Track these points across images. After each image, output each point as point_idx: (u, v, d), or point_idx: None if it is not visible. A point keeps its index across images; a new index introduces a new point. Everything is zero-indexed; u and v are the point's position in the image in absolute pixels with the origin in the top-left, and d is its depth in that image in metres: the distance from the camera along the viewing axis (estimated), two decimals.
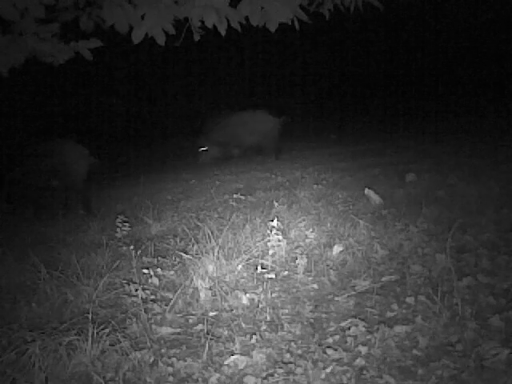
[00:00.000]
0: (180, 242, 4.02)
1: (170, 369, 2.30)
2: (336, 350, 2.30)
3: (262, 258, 3.43)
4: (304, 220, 4.17)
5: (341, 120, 12.18)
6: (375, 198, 4.66)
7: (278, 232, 3.52)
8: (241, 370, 2.25)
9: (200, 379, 2.21)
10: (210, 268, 3.26)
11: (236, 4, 2.50)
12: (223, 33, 2.47)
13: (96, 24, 2.72)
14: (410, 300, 2.68)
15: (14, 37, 2.52)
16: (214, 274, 3.23)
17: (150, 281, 3.24)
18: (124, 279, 3.28)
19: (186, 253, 3.56)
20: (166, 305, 2.91)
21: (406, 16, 13.67)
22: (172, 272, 3.40)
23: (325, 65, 15.34)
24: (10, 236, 4.89)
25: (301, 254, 3.42)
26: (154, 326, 2.70)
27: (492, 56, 13.69)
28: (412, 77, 14.51)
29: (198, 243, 3.68)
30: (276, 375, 2.17)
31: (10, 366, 2.38)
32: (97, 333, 2.46)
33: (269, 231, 3.57)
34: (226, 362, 2.30)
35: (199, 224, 4.27)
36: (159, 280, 3.27)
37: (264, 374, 2.19)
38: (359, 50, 15.32)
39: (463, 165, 5.87)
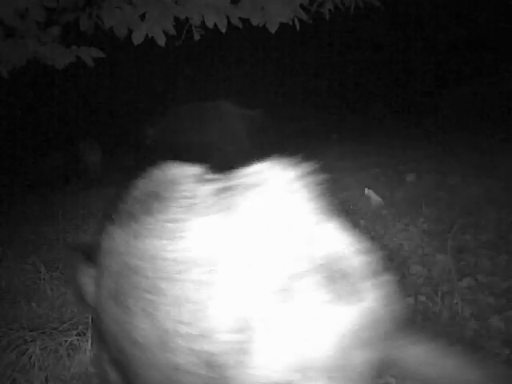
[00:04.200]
0: None
1: None
2: None
3: None
4: None
5: (341, 120, 12.19)
6: (375, 198, 4.65)
7: None
8: None
9: None
10: None
11: (236, 3, 2.50)
12: (223, 30, 2.47)
13: (96, 25, 2.72)
14: (409, 300, 2.68)
15: (15, 40, 2.52)
16: None
17: None
18: None
19: None
20: None
21: (406, 15, 13.68)
22: None
23: (325, 64, 15.35)
24: (10, 236, 4.89)
25: None
26: None
27: (492, 55, 13.70)
28: (412, 77, 14.52)
29: None
30: None
31: (10, 366, 2.38)
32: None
33: None
34: None
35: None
36: None
37: None
38: (359, 49, 15.33)
39: (463, 165, 5.86)
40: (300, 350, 0.93)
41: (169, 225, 1.07)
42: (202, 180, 1.12)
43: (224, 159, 1.28)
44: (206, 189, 1.08)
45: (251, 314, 0.92)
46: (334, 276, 1.00)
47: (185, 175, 1.15)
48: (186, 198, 1.09)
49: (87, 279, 1.38)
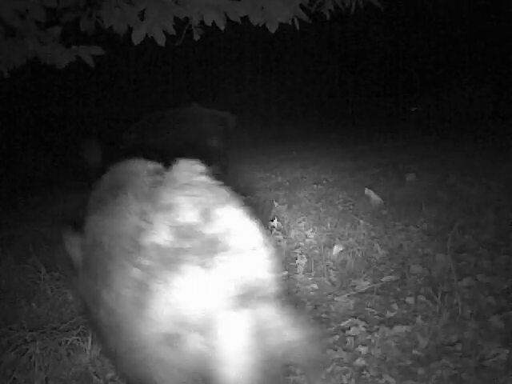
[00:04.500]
0: None
1: None
2: (336, 350, 2.30)
3: None
4: (304, 220, 4.16)
5: (341, 119, 12.19)
6: (375, 198, 4.65)
7: (278, 232, 3.52)
8: None
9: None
10: None
11: (236, 0, 2.50)
12: (222, 28, 2.47)
13: (97, 25, 2.72)
14: (410, 300, 2.68)
15: (15, 40, 2.52)
16: None
17: None
18: None
19: None
20: None
21: (406, 15, 13.69)
22: None
23: (325, 64, 15.34)
24: (10, 236, 4.89)
25: (301, 254, 3.42)
26: None
27: (493, 55, 13.71)
28: (412, 77, 14.52)
29: None
30: None
31: (10, 366, 2.38)
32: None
33: (269, 231, 3.57)
34: None
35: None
36: None
37: None
38: (359, 49, 15.33)
39: (463, 165, 5.87)
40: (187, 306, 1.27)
41: (122, 207, 1.47)
42: (149, 174, 1.56)
43: (175, 157, 1.61)
44: (149, 180, 1.51)
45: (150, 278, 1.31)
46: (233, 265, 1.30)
47: (141, 170, 1.59)
48: (137, 186, 1.51)
49: (74, 248, 1.74)
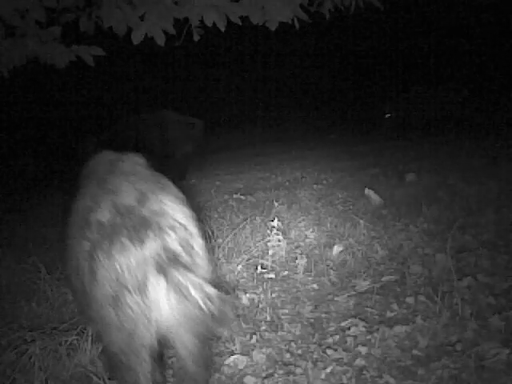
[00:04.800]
0: None
1: (170, 369, 2.30)
2: (336, 350, 2.30)
3: (261, 258, 3.43)
4: (304, 220, 4.16)
5: (341, 120, 12.18)
6: (375, 198, 4.65)
7: (278, 232, 3.52)
8: (241, 370, 2.25)
9: None
10: None
11: (236, 1, 2.50)
12: (223, 29, 2.47)
13: (97, 25, 2.72)
14: (409, 300, 2.68)
15: (15, 39, 2.52)
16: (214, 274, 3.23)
17: None
18: None
19: None
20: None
21: (406, 15, 13.68)
22: None
23: (325, 64, 15.34)
24: (10, 236, 4.89)
25: (301, 254, 3.42)
26: None
27: (493, 54, 13.71)
28: (412, 77, 14.51)
29: None
30: (276, 375, 2.17)
31: (10, 366, 2.38)
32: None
33: (269, 231, 3.57)
34: (226, 362, 2.30)
35: (199, 224, 4.26)
36: None
37: (264, 374, 2.19)
38: (359, 49, 15.33)
39: (463, 165, 5.87)
40: None
41: (84, 191, 1.86)
42: (107, 164, 1.96)
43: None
44: (105, 169, 1.92)
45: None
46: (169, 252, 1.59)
47: (103, 161, 2.01)
48: (97, 174, 1.91)
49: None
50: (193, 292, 1.51)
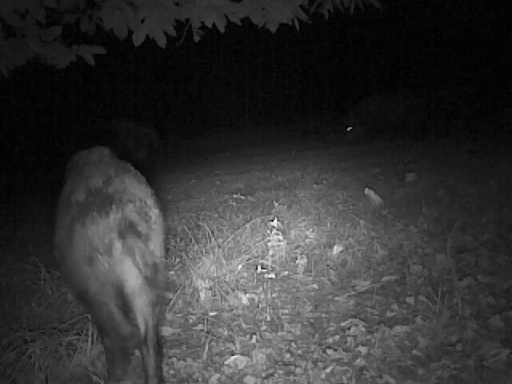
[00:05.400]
0: (180, 242, 4.02)
1: (170, 369, 2.31)
2: (336, 350, 2.30)
3: (262, 258, 3.43)
4: (304, 220, 4.17)
5: (340, 120, 12.17)
6: (375, 198, 4.66)
7: (278, 232, 3.53)
8: (241, 370, 2.25)
9: (200, 379, 2.22)
10: (210, 268, 3.27)
11: (237, 2, 2.50)
12: (222, 30, 2.47)
13: (98, 26, 2.72)
14: (410, 300, 2.68)
15: (16, 39, 2.52)
16: (214, 274, 3.23)
17: None
18: None
19: (186, 253, 3.56)
20: (166, 305, 2.91)
21: (406, 15, 13.70)
22: (172, 272, 3.40)
23: (324, 64, 15.35)
24: (10, 236, 4.90)
25: (301, 254, 3.43)
26: None
27: (492, 55, 13.71)
28: (412, 77, 14.51)
29: (198, 243, 3.68)
30: (276, 375, 2.17)
31: (10, 366, 2.39)
32: (97, 333, 2.46)
33: (269, 231, 3.57)
34: (226, 362, 2.31)
35: (199, 224, 4.27)
36: None
37: (264, 374, 2.19)
38: (359, 49, 15.33)
39: (463, 165, 5.86)
40: None
41: (69, 179, 2.36)
42: (85, 157, 2.47)
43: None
44: (84, 161, 2.43)
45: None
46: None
47: (84, 155, 2.50)
48: (79, 165, 2.40)
49: None
50: (137, 257, 1.96)
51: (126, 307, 1.97)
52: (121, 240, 1.96)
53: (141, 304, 1.96)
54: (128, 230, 1.99)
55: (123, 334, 2.06)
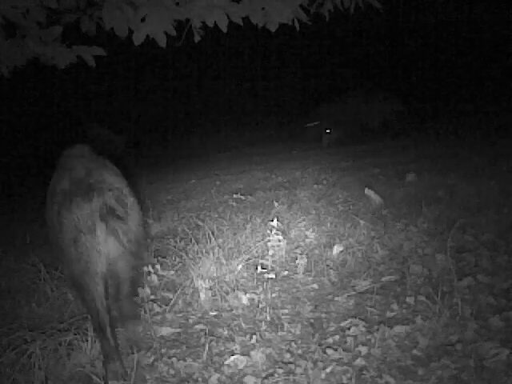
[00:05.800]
0: (180, 241, 4.02)
1: (170, 369, 2.31)
2: (336, 350, 2.30)
3: (262, 258, 3.43)
4: (304, 220, 4.17)
5: (340, 120, 12.15)
6: (375, 198, 4.66)
7: (278, 232, 3.52)
8: (241, 370, 2.25)
9: (200, 379, 2.22)
10: (210, 268, 3.27)
11: (237, 2, 2.50)
12: (225, 29, 2.47)
13: (98, 26, 2.72)
14: (410, 300, 2.68)
15: (16, 39, 2.52)
16: (214, 274, 3.23)
17: (149, 280, 3.25)
18: None
19: (186, 253, 3.56)
20: (166, 305, 2.91)
21: (406, 15, 13.70)
22: (172, 272, 3.40)
23: (324, 64, 15.35)
24: (10, 236, 4.90)
25: (301, 254, 3.43)
26: (154, 326, 2.70)
27: (492, 56, 13.72)
28: (412, 77, 14.52)
29: (198, 243, 3.68)
30: (276, 375, 2.17)
31: (10, 366, 2.39)
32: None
33: (269, 231, 3.57)
34: (226, 362, 2.31)
35: (199, 224, 4.27)
36: (159, 280, 3.28)
37: (264, 374, 2.19)
38: (359, 49, 15.34)
39: (463, 165, 5.86)
40: None
41: (58, 172, 2.64)
42: (71, 153, 2.78)
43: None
44: (70, 156, 2.73)
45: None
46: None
47: (70, 150, 2.80)
48: (66, 160, 2.70)
49: None
50: (121, 236, 2.29)
51: (108, 282, 2.29)
52: (103, 222, 2.25)
53: (125, 273, 2.36)
54: (109, 213, 2.28)
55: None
